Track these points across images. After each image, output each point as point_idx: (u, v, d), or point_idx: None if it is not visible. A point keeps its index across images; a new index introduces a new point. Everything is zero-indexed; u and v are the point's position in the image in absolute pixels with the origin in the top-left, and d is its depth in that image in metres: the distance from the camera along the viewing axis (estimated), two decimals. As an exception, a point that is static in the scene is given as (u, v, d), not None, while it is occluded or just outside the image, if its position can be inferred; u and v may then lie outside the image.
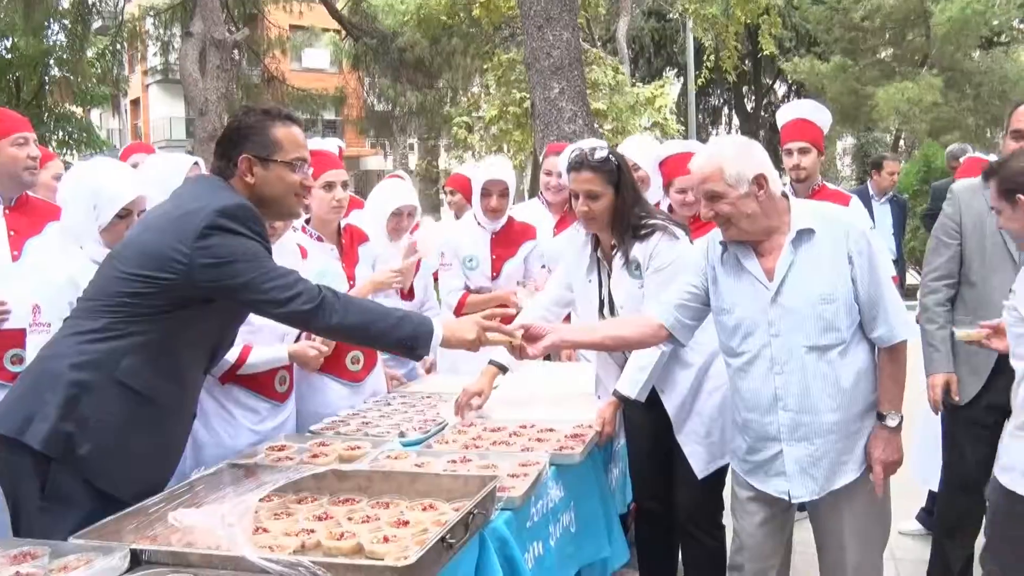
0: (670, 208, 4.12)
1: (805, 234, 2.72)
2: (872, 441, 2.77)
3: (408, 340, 2.61)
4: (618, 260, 3.26)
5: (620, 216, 3.21)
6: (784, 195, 2.79)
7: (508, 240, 4.50)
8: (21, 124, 3.51)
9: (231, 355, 3.13)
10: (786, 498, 2.83)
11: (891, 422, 2.75)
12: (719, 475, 3.34)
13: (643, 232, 3.20)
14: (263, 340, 3.22)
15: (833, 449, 2.77)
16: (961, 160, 6.53)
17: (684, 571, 3.49)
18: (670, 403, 3.28)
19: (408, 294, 4.26)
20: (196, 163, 3.66)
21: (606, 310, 3.33)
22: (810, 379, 2.72)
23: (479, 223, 4.51)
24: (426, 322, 2.68)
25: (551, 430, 3.09)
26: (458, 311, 4.34)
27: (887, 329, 2.73)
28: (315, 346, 3.32)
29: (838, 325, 2.69)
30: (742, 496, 2.97)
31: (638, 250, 3.20)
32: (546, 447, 2.90)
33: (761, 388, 2.79)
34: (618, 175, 3.19)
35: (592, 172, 3.18)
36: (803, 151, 4.39)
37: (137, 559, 1.97)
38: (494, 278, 4.45)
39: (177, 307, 2.44)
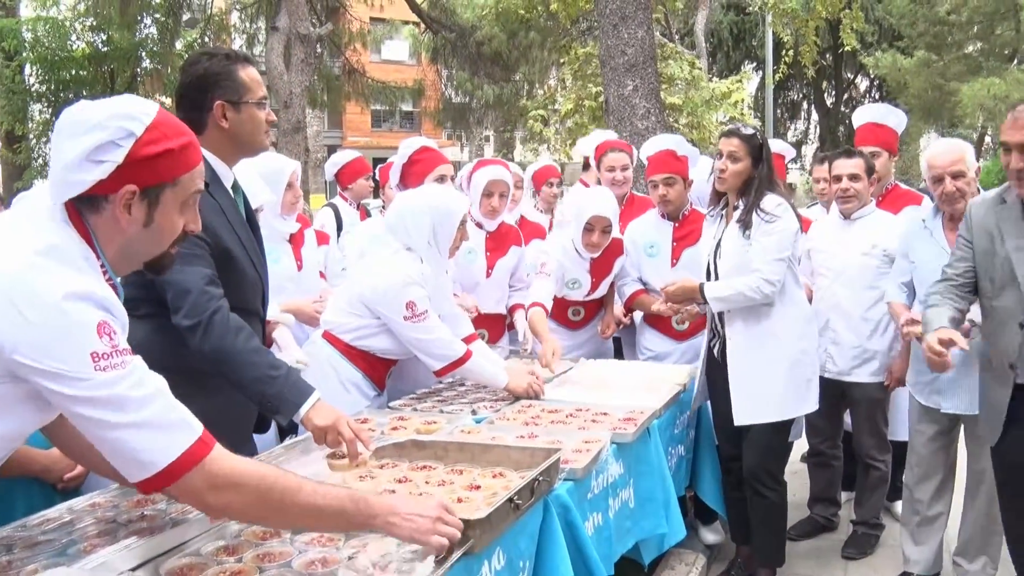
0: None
1: None
2: None
3: (270, 399, 2.52)
4: (736, 218, 3.76)
5: (750, 183, 3.73)
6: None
7: (605, 263, 4.56)
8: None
9: (454, 352, 3.46)
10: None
11: None
12: (780, 437, 3.84)
13: (766, 207, 3.69)
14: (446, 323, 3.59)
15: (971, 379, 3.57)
16: None
17: (750, 519, 3.93)
18: (732, 349, 3.76)
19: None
20: (294, 171, 4.02)
21: (714, 256, 3.86)
22: None
23: (579, 253, 4.49)
24: (301, 390, 2.55)
25: (605, 414, 3.29)
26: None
27: None
28: (536, 385, 3.61)
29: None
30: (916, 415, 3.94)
31: (755, 219, 3.68)
32: (602, 428, 3.10)
33: None
34: (760, 151, 3.72)
35: (738, 139, 3.73)
36: (874, 155, 4.58)
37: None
38: (590, 293, 4.61)
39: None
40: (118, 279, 1.74)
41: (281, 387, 2.52)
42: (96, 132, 1.63)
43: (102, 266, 1.68)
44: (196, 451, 1.64)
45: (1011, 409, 3.11)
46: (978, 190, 3.77)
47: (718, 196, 3.91)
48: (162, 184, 1.70)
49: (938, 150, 3.88)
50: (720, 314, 3.83)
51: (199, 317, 2.46)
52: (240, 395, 2.66)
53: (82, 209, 1.67)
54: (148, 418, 1.60)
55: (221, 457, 1.68)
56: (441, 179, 4.21)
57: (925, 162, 3.89)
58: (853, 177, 4.35)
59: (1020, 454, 3.16)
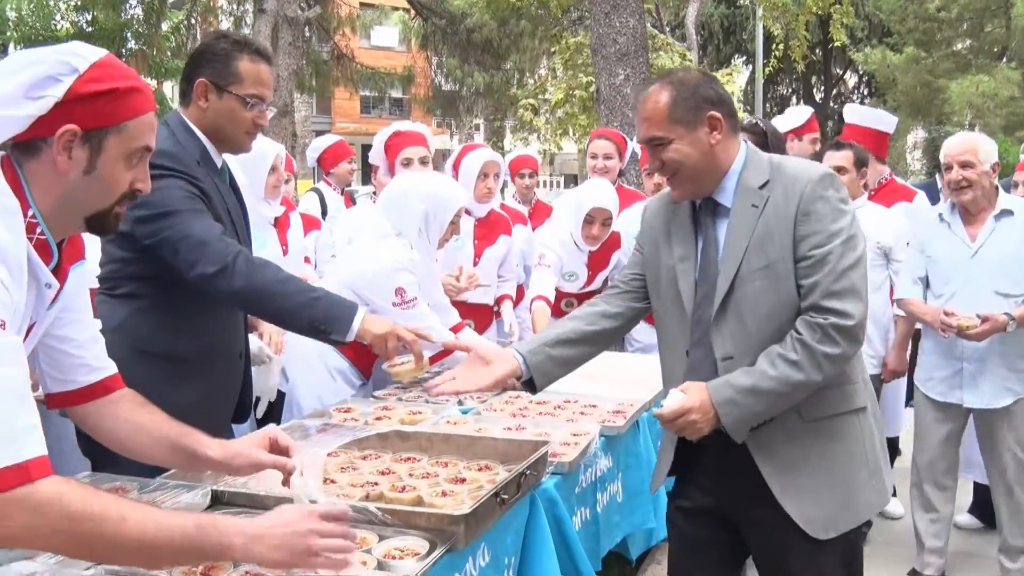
0: None
1: (1006, 214, 3.72)
2: None
3: (320, 323, 2.47)
4: None
5: None
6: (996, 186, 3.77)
7: (603, 257, 4.49)
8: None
9: (449, 319, 3.40)
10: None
11: None
12: None
13: None
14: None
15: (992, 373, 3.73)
16: None
17: None
18: None
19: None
20: (277, 154, 3.93)
21: None
22: None
23: (577, 246, 4.40)
24: (346, 305, 2.54)
25: (594, 406, 3.22)
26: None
27: None
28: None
29: None
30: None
31: None
32: (591, 420, 3.03)
33: None
34: (765, 137, 3.65)
35: (742, 132, 3.60)
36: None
37: (217, 498, 2.15)
38: (585, 286, 4.54)
39: (161, 269, 2.45)
40: (52, 237, 1.61)
41: (327, 308, 2.49)
42: (36, 66, 1.53)
43: (32, 218, 1.55)
44: (7, 477, 1.36)
45: (678, 451, 2.44)
46: (995, 187, 3.78)
47: None
48: (105, 128, 1.58)
49: (951, 139, 3.91)
50: None
51: (223, 261, 2.39)
52: (217, 387, 2.65)
53: (17, 156, 1.57)
54: None
55: (33, 489, 1.38)
56: (407, 163, 4.13)
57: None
58: (839, 170, 4.31)
59: (685, 502, 2.50)
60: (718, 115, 2.25)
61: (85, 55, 1.57)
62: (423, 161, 4.16)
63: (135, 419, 1.89)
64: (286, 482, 1.89)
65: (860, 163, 4.34)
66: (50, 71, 1.53)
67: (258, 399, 3.28)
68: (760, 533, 2.36)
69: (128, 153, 1.62)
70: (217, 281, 2.39)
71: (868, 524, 4.48)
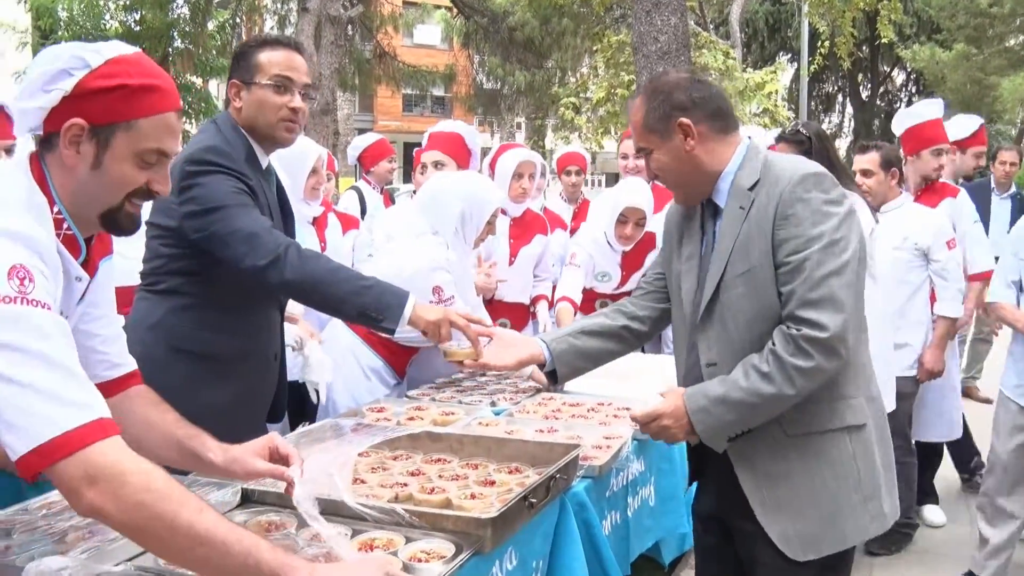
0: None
1: None
2: None
3: (371, 310, 2.49)
4: None
5: None
6: None
7: (637, 257, 4.48)
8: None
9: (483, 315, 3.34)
10: None
11: None
12: None
13: None
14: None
15: None
16: None
17: None
18: None
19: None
20: (319, 156, 3.94)
21: None
22: None
23: (610, 245, 4.42)
24: (397, 293, 2.54)
25: (628, 408, 3.19)
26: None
27: None
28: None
29: None
30: None
31: None
32: (624, 423, 3.00)
33: None
34: (809, 143, 3.64)
35: (783, 143, 3.71)
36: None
37: (247, 497, 2.16)
38: (619, 286, 4.52)
39: (205, 265, 2.50)
40: (79, 232, 1.63)
41: (379, 295, 2.51)
42: (54, 62, 1.55)
43: (58, 213, 1.57)
44: (85, 434, 1.37)
45: (693, 454, 2.45)
46: None
47: None
48: (114, 124, 1.57)
49: None
50: None
51: (275, 252, 2.42)
52: (251, 387, 2.68)
53: (42, 153, 1.59)
54: (33, 380, 1.35)
55: (114, 449, 1.40)
56: (423, 169, 4.21)
57: None
58: (864, 172, 4.26)
59: (698, 507, 2.52)
60: (688, 122, 2.15)
61: (104, 52, 1.58)
62: (436, 165, 4.18)
63: (148, 417, 1.89)
64: (288, 491, 1.88)
65: (888, 164, 4.25)
66: (64, 65, 1.55)
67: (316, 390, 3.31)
68: (742, 545, 2.30)
69: (138, 152, 1.60)
70: (269, 273, 2.42)
71: (911, 529, 4.41)
